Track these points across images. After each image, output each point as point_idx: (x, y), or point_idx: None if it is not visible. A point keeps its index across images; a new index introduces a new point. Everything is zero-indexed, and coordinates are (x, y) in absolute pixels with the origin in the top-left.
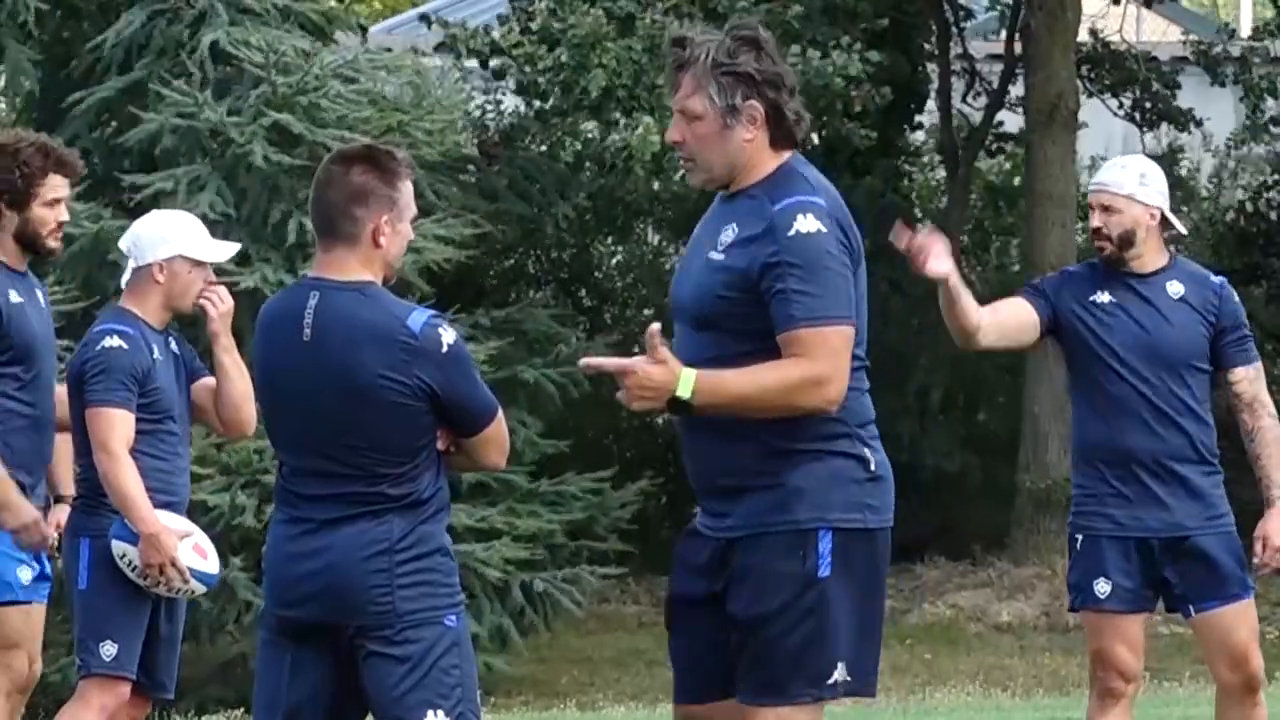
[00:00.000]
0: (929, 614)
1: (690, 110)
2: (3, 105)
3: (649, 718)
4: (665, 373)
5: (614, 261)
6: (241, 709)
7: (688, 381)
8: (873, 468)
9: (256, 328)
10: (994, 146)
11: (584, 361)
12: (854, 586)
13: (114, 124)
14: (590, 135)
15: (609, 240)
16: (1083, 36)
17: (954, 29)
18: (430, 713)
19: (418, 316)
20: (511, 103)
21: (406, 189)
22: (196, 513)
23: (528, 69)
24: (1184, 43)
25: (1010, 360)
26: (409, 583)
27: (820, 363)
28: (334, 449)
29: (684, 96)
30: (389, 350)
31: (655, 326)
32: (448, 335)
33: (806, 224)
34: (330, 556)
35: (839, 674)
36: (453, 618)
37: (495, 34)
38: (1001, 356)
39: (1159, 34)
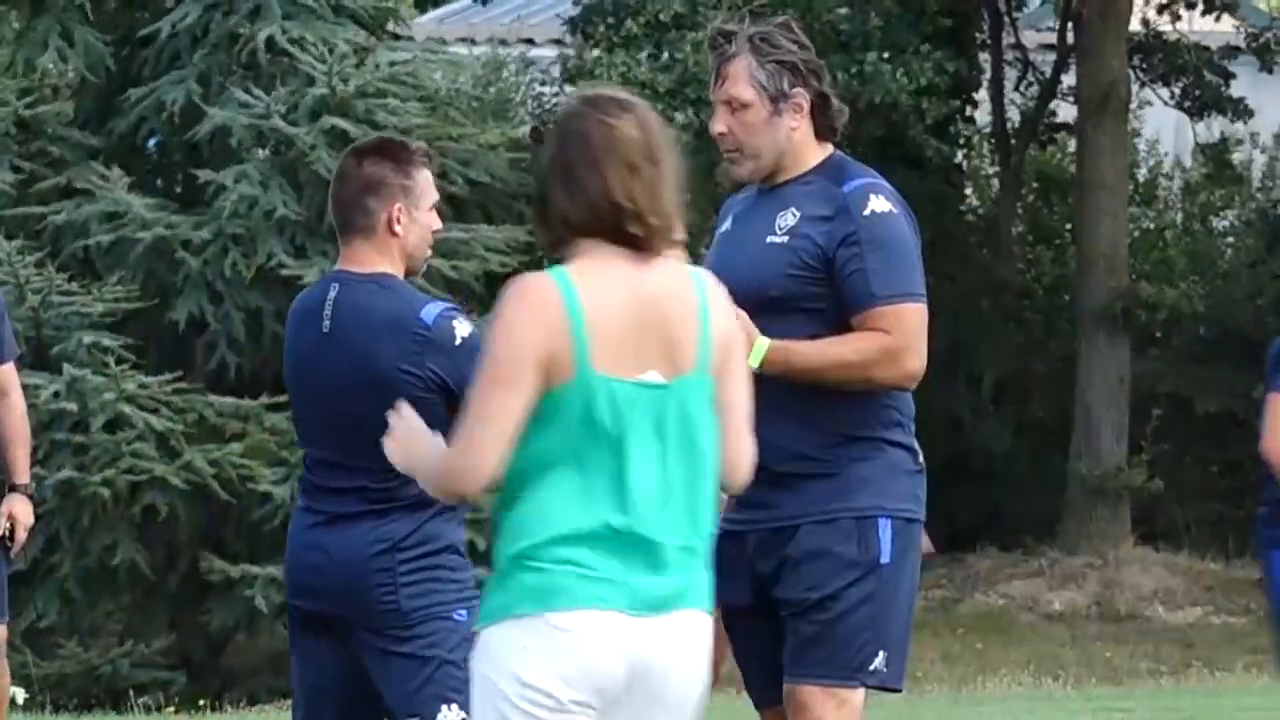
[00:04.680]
0: (980, 603)
1: (739, 99)
2: (55, 72)
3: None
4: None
5: None
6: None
7: (758, 352)
8: (920, 460)
9: (287, 322)
10: (1046, 137)
11: None
12: (904, 576)
13: (171, 115)
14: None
15: None
16: (1135, 26)
17: (1006, 19)
18: (444, 707)
19: (432, 308)
20: (571, 89)
21: (422, 176)
22: (257, 505)
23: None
24: (1237, 29)
25: (1062, 349)
26: (413, 580)
27: (899, 337)
28: (347, 440)
29: (730, 86)
30: (402, 342)
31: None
32: (462, 327)
33: (880, 204)
34: (336, 553)
35: (878, 662)
36: (463, 612)
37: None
38: (1053, 346)
39: (1210, 24)
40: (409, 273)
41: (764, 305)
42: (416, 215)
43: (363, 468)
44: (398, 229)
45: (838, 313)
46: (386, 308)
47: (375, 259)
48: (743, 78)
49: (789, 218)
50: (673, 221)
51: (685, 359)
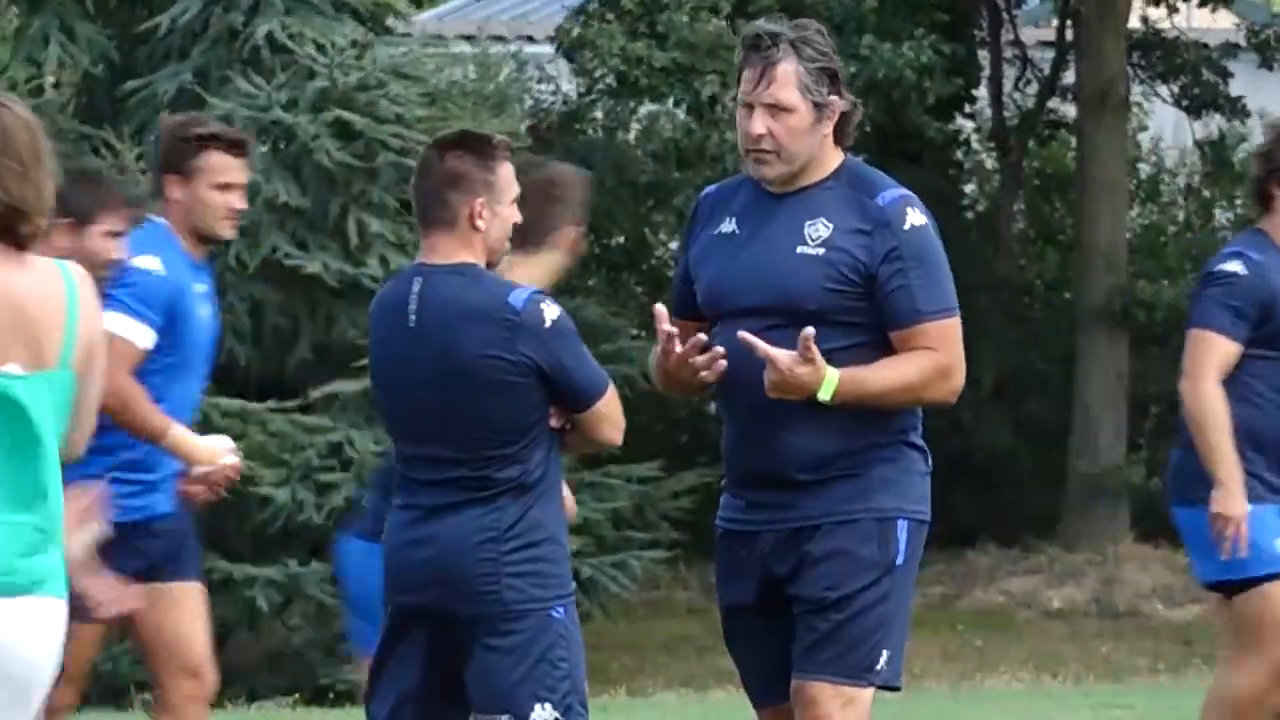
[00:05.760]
0: (980, 600)
1: (784, 103)
2: (50, 76)
3: (699, 704)
4: (812, 373)
5: (671, 246)
6: (294, 695)
7: (830, 384)
8: (929, 461)
9: (370, 318)
10: (1045, 134)
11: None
12: (911, 577)
13: (169, 109)
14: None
15: (660, 229)
16: (1134, 23)
17: (1005, 15)
18: (538, 706)
19: (520, 293)
20: (568, 86)
21: (504, 171)
22: (259, 508)
23: (614, 60)
24: (1237, 26)
25: (1062, 347)
26: (517, 572)
27: (946, 354)
28: (443, 433)
29: (778, 90)
30: (492, 328)
31: (810, 330)
32: (550, 310)
33: (917, 217)
34: (439, 544)
35: (883, 662)
36: (560, 609)
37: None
38: (1053, 344)
39: (1208, 20)
40: (488, 265)
41: (806, 318)
42: (499, 210)
43: (459, 458)
44: (480, 224)
45: (874, 326)
46: (474, 296)
47: (457, 250)
48: (791, 82)
49: (820, 228)
50: (48, 221)
51: (48, 354)
